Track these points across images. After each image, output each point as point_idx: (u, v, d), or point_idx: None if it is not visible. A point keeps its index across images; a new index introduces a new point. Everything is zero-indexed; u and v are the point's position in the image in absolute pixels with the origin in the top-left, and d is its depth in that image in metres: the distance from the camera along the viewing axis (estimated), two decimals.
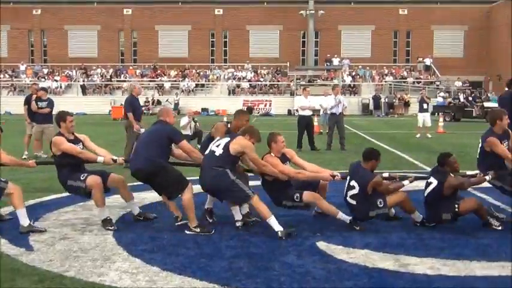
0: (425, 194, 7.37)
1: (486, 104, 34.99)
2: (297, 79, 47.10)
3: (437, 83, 48.57)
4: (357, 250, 6.36)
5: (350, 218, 7.34)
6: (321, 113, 18.46)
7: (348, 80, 48.42)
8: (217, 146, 7.13)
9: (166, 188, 7.26)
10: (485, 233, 7.04)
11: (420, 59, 51.82)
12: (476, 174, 7.79)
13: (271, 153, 7.47)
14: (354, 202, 7.26)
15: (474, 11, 53.87)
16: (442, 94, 45.37)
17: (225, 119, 26.13)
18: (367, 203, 7.19)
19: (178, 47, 54.72)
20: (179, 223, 7.29)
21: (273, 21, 54.35)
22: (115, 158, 7.79)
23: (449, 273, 5.60)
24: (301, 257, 6.09)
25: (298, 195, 7.34)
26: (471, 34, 53.70)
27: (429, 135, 22.11)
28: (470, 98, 37.41)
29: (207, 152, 7.29)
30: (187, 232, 7.00)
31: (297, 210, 7.59)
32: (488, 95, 41.88)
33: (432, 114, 34.36)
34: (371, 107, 44.38)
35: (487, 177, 7.51)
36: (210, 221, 7.62)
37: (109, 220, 7.35)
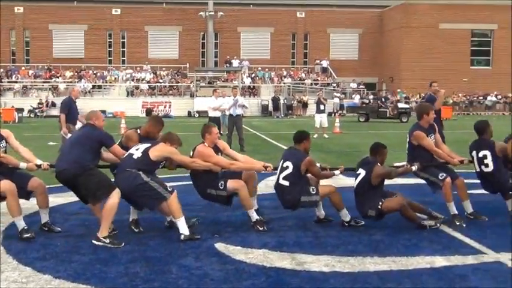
0: (355, 186, 7.46)
1: (400, 105, 36.45)
2: (196, 81, 46.95)
3: (334, 84, 49.99)
4: (255, 250, 6.39)
5: (258, 218, 7.38)
6: (221, 114, 18.52)
7: (248, 81, 48.86)
8: (137, 150, 6.98)
9: (92, 190, 6.83)
10: (378, 230, 7.28)
11: (317, 61, 53.21)
12: (404, 165, 8.03)
13: (205, 144, 7.48)
14: (286, 183, 7.32)
15: (368, 15, 55.97)
16: (338, 95, 46.80)
17: (123, 122, 25.71)
18: (299, 185, 7.29)
19: (73, 47, 53.07)
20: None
21: (172, 22, 53.97)
22: (39, 162, 7.35)
23: (344, 270, 5.73)
24: (199, 259, 6.05)
25: (222, 182, 7.37)
26: (365, 37, 55.78)
27: (326, 136, 22.65)
28: (383, 99, 38.80)
29: (125, 155, 7.11)
30: (95, 242, 6.55)
31: (220, 203, 7.60)
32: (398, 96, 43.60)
33: (329, 115, 35.41)
34: (270, 108, 44.97)
35: (413, 168, 7.73)
36: (136, 230, 7.30)
37: (26, 229, 6.86)
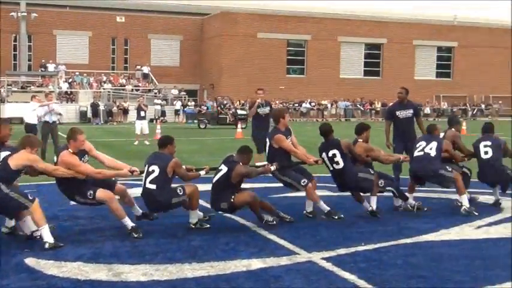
0: (214, 181, 7.68)
1: (239, 112, 36.85)
2: (8, 85, 44.07)
3: (155, 91, 49.72)
4: (69, 263, 6.09)
5: (133, 225, 7.26)
6: (37, 121, 17.43)
7: (65, 86, 46.84)
8: None
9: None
10: (197, 235, 7.31)
11: (138, 67, 52.53)
12: (265, 164, 8.43)
13: (69, 150, 7.16)
14: (153, 187, 7.32)
15: (189, 22, 56.43)
16: (159, 102, 46.62)
17: None
18: (167, 188, 7.36)
19: None
20: None
21: None
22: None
23: (162, 278, 5.66)
24: (7, 277, 5.62)
25: (91, 192, 7.15)
26: (186, 44, 56.12)
27: (147, 142, 22.40)
28: (222, 105, 39.17)
29: None
30: None
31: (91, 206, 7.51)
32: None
33: (151, 121, 35.14)
34: (89, 114, 43.50)
35: (272, 168, 8.16)
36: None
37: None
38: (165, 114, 45.85)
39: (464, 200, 8.71)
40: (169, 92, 50.31)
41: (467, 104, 56.89)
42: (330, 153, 8.48)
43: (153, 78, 51.73)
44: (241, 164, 7.68)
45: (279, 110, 9.16)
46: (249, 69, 51.59)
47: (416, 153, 8.94)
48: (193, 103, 48.75)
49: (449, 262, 6.23)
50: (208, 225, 7.78)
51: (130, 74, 52.93)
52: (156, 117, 42.48)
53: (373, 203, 8.49)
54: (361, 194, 8.66)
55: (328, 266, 6.07)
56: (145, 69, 52.11)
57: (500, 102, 57.53)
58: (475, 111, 56.01)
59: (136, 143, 22.24)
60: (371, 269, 5.97)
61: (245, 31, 52.57)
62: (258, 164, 9.10)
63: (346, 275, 5.76)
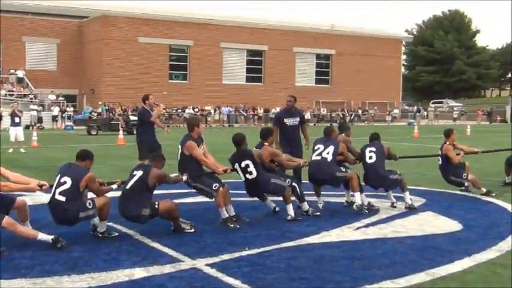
0: (127, 187, 7.58)
1: (132, 118, 35.69)
2: None
3: (31, 96, 47.60)
4: None
5: (52, 237, 6.89)
6: None
7: None
8: None
9: None
10: (78, 246, 7.03)
11: (12, 71, 49.98)
12: (178, 174, 8.44)
13: None
14: (63, 199, 7.09)
15: (67, 24, 54.39)
16: (35, 107, 44.71)
17: None
18: (77, 201, 7.16)
19: None
20: None
21: None
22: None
23: None
24: None
25: None
26: (64, 48, 54.01)
27: (22, 150, 21.41)
28: (114, 112, 38.09)
29: None
30: None
31: None
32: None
33: (26, 127, 33.62)
34: None
35: (184, 178, 8.27)
36: None
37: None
38: (42, 120, 44.06)
39: (358, 198, 9.24)
40: (46, 98, 48.32)
41: (345, 110, 59.26)
42: (243, 164, 8.58)
43: (29, 82, 49.48)
44: (155, 168, 7.67)
45: (195, 118, 9.29)
46: (131, 75, 50.68)
47: (314, 157, 9.38)
48: (72, 108, 47.20)
49: (330, 263, 6.41)
50: (116, 234, 7.62)
51: (4, 78, 50.22)
52: (33, 123, 40.74)
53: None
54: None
55: (212, 272, 6.05)
56: (20, 73, 49.70)
57: (375, 108, 60.47)
58: (353, 116, 58.45)
59: (10, 150, 21.14)
60: (254, 273, 6.02)
61: (126, 35, 51.52)
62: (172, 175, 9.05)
63: (230, 280, 5.77)
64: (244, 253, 6.81)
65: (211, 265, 6.29)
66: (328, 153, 9.23)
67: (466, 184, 11.08)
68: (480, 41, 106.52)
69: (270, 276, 5.93)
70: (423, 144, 25.93)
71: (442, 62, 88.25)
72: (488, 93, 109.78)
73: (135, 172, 7.67)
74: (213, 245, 7.18)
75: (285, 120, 10.90)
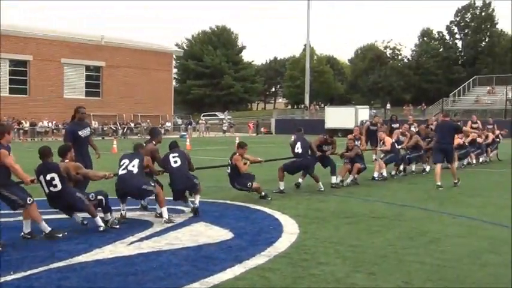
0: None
1: None
2: None
3: None
4: None
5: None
6: None
7: None
8: None
9: None
10: None
11: None
12: None
13: None
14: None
15: None
16: None
17: None
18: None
19: None
20: None
21: None
22: None
23: None
24: None
25: None
26: None
27: None
28: None
29: None
30: None
31: None
32: None
33: None
34: None
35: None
36: None
37: None
38: None
39: (165, 213, 9.60)
40: None
41: (118, 123, 58.43)
42: (48, 177, 8.55)
43: None
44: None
45: (4, 126, 8.86)
46: None
47: (120, 172, 9.61)
48: None
49: (103, 281, 6.20)
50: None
51: None
52: None
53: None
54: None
55: None
56: None
57: (148, 121, 60.51)
58: (126, 129, 57.84)
59: None
60: None
61: None
62: None
63: None
64: (10, 277, 6.31)
65: None
66: (133, 166, 9.56)
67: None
68: (246, 56, 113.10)
69: None
70: (195, 156, 26.53)
71: (211, 76, 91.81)
72: (254, 106, 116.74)
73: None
74: None
75: (80, 132, 11.02)
